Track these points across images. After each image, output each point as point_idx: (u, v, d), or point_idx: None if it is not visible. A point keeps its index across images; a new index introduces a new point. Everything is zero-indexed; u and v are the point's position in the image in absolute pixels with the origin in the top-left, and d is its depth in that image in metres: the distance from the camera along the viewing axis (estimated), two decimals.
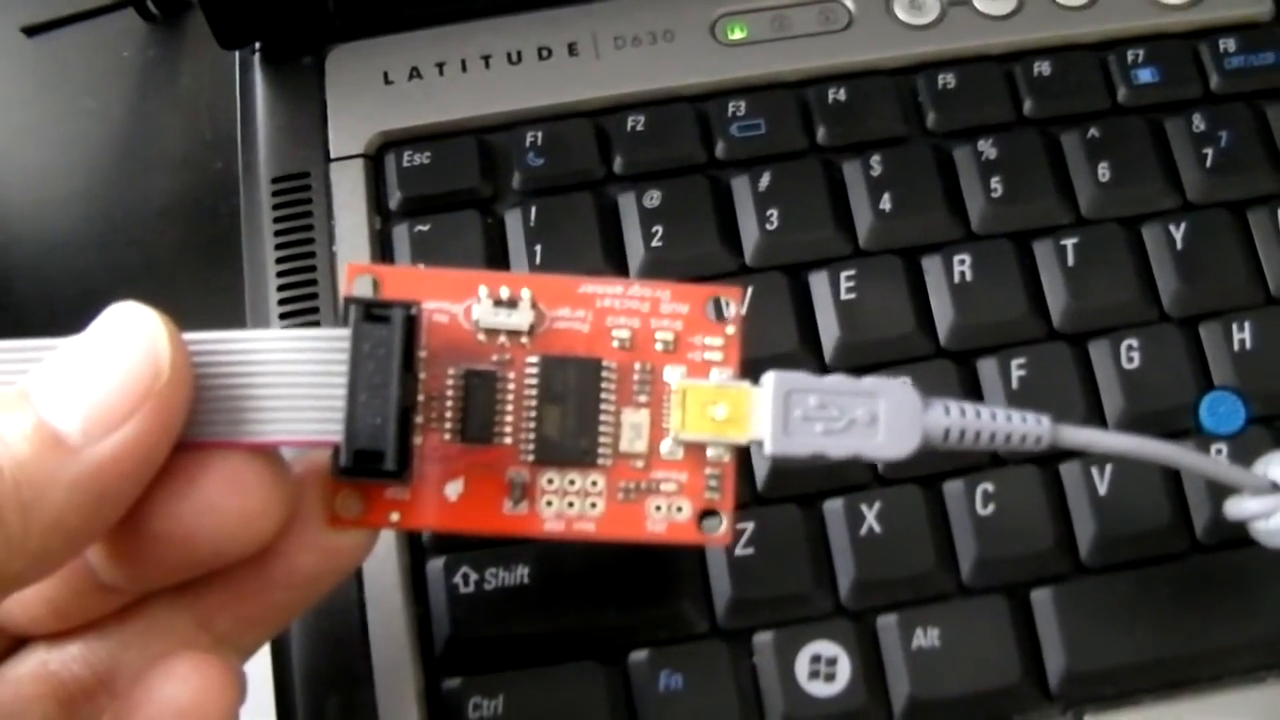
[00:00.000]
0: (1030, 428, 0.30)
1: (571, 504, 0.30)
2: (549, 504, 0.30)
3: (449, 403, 0.29)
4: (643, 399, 0.30)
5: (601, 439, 0.29)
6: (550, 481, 0.30)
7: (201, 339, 0.27)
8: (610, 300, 0.30)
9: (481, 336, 0.29)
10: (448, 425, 0.29)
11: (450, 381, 0.29)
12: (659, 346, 0.30)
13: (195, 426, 0.27)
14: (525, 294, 0.29)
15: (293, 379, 0.27)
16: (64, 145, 0.45)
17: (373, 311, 0.27)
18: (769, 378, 0.29)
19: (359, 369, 0.27)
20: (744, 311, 0.30)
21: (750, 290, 0.35)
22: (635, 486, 0.30)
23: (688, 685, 0.35)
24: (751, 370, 0.30)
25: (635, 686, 0.35)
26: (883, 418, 0.29)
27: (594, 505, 0.30)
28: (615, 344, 0.30)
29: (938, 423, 0.29)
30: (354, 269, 0.29)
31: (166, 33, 0.46)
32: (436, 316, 0.29)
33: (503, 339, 0.29)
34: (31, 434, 0.25)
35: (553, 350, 0.29)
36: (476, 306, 0.29)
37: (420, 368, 0.29)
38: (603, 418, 0.29)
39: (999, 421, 0.30)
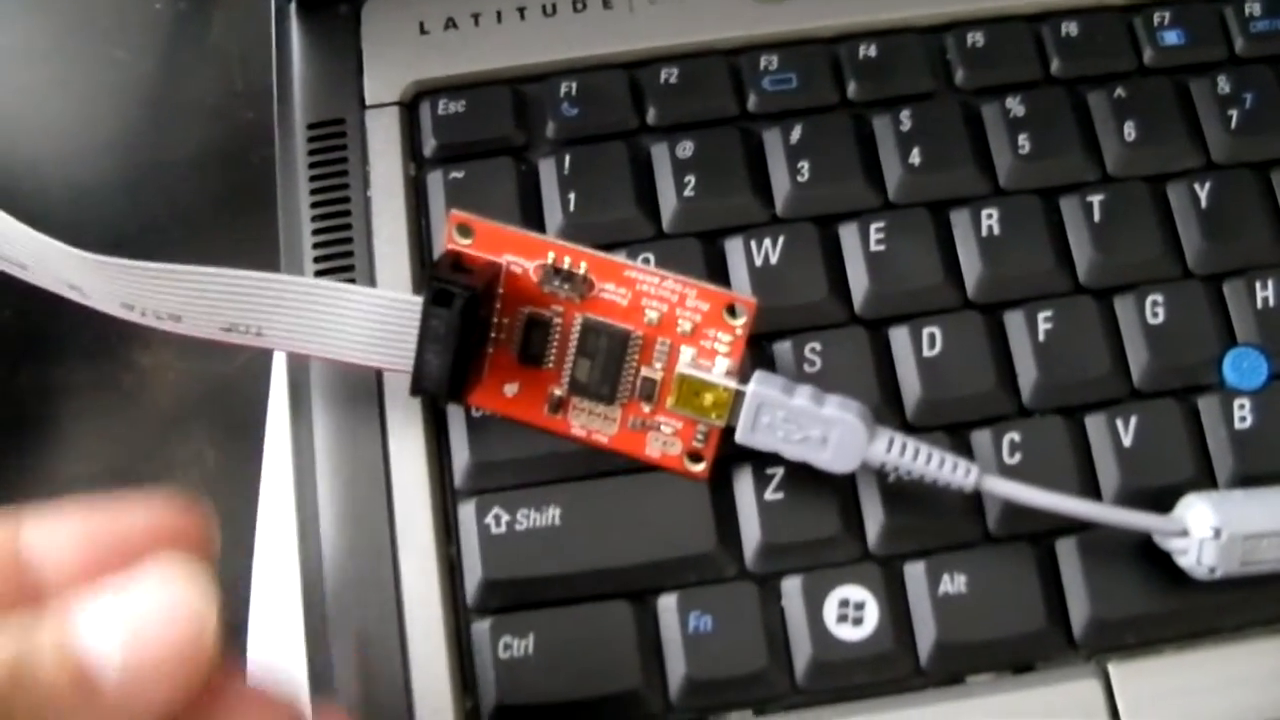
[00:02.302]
0: (958, 477, 0.34)
1: (592, 421, 0.36)
2: (576, 417, 0.36)
3: (516, 332, 0.35)
4: (659, 365, 0.35)
5: (621, 387, 0.35)
6: (579, 403, 0.36)
7: (315, 284, 0.35)
8: (647, 286, 0.35)
9: (545, 290, 0.35)
10: (514, 347, 0.35)
11: (518, 318, 0.35)
12: (680, 329, 0.35)
13: (296, 341, 0.35)
14: (582, 266, 0.35)
15: (382, 325, 0.35)
16: (95, 96, 0.45)
17: (440, 291, 0.33)
18: (751, 387, 0.34)
19: (427, 332, 0.33)
20: (753, 319, 0.34)
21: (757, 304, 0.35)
22: (641, 423, 0.36)
23: (717, 627, 0.35)
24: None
25: (664, 627, 0.35)
26: (833, 441, 0.34)
27: (610, 426, 0.36)
28: (645, 319, 0.35)
29: (877, 456, 0.34)
30: (455, 217, 0.35)
31: None
32: (513, 268, 0.35)
33: (560, 296, 0.35)
34: (67, 665, 0.25)
35: (596, 313, 0.35)
36: (542, 269, 0.35)
37: (498, 302, 0.35)
38: (625, 373, 0.35)
39: (931, 465, 0.34)
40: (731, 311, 0.34)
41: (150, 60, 0.45)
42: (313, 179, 0.39)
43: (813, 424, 0.34)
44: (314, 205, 0.38)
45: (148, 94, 0.45)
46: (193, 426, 0.41)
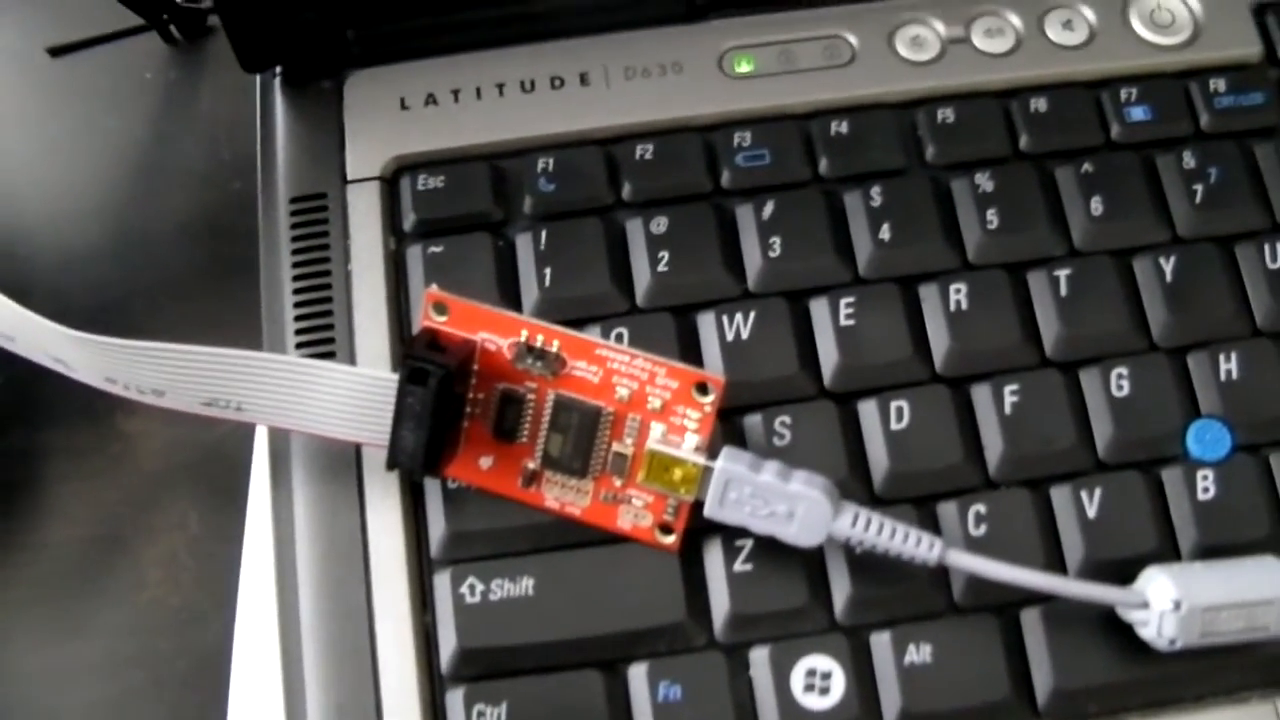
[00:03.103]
0: (922, 551, 0.35)
1: (565, 494, 0.37)
2: (550, 490, 0.37)
3: (491, 408, 0.36)
4: (629, 440, 0.36)
5: (593, 462, 0.36)
6: (552, 477, 0.37)
7: (293, 361, 0.36)
8: (618, 364, 0.36)
9: (518, 367, 0.36)
10: (488, 422, 0.36)
11: (493, 394, 0.36)
12: (650, 406, 0.36)
13: (275, 416, 0.36)
14: (554, 345, 0.36)
15: (359, 402, 0.36)
16: (85, 162, 0.46)
17: (415, 369, 0.34)
18: (719, 463, 0.35)
19: (402, 409, 0.34)
20: (721, 397, 0.35)
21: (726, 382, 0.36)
22: (613, 496, 0.37)
23: (686, 696, 0.36)
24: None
25: (634, 696, 0.36)
26: (799, 517, 0.35)
27: (582, 499, 0.37)
28: (616, 396, 0.36)
29: (842, 531, 0.35)
30: (431, 295, 0.36)
31: (188, 56, 0.47)
32: (488, 345, 0.36)
33: (534, 373, 0.36)
34: None
35: (568, 390, 0.36)
36: (515, 346, 0.36)
37: (473, 378, 0.36)
38: (596, 448, 0.36)
39: (895, 540, 0.35)
40: (701, 389, 0.35)
41: (140, 128, 0.46)
42: (295, 252, 0.39)
43: (779, 500, 0.35)
44: (295, 279, 0.39)
45: (137, 161, 0.46)
46: (178, 492, 0.42)
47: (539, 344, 0.36)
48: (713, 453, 0.35)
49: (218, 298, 0.41)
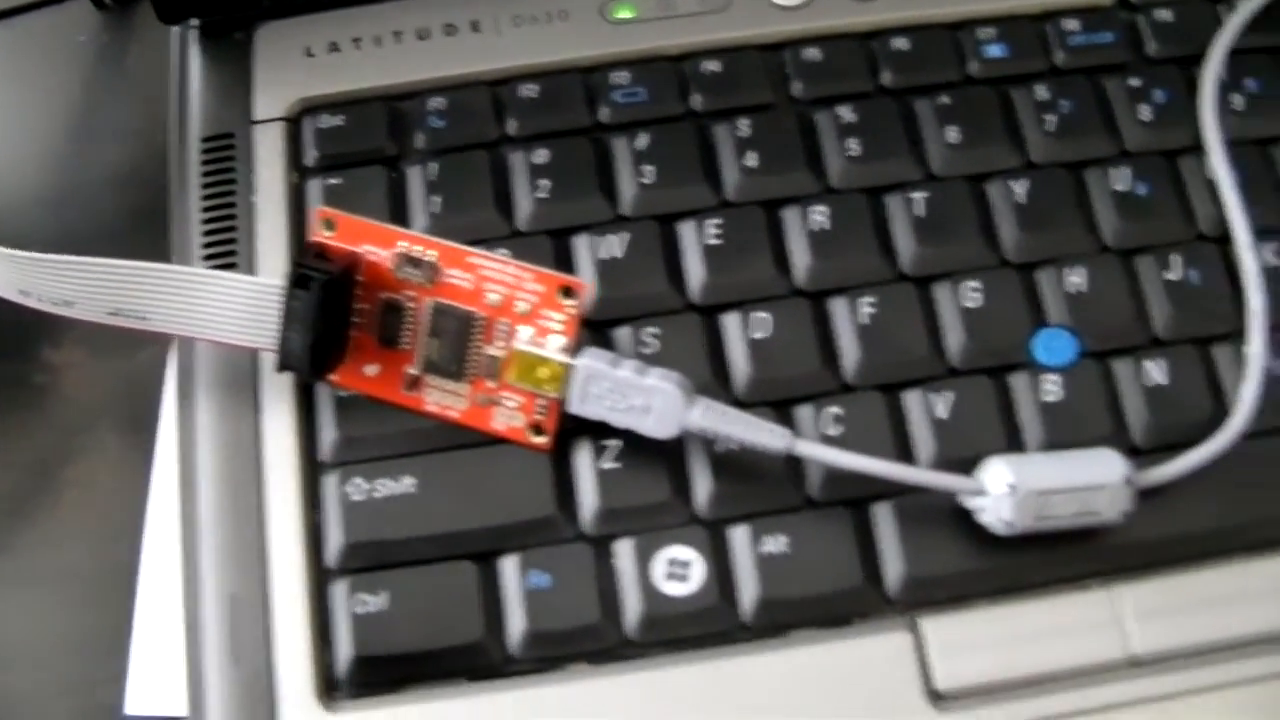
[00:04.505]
0: (772, 440, 0.37)
1: (444, 398, 0.39)
2: (430, 394, 0.39)
3: (374, 317, 0.39)
4: (500, 343, 0.38)
5: (468, 365, 0.39)
6: (432, 381, 0.39)
7: (192, 271, 0.39)
8: (489, 271, 0.38)
9: (398, 276, 0.38)
10: (373, 330, 0.39)
11: (376, 303, 0.39)
12: (518, 310, 0.38)
13: (175, 323, 0.38)
14: (430, 254, 0.38)
15: (253, 309, 0.38)
16: (21, 123, 0.49)
17: (300, 275, 0.37)
18: (580, 361, 0.37)
19: (289, 313, 0.37)
20: (584, 300, 0.38)
21: (592, 285, 0.39)
22: (488, 399, 0.39)
23: (554, 584, 0.38)
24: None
25: (505, 585, 0.38)
26: (654, 409, 0.37)
27: (460, 402, 0.39)
28: (488, 301, 0.38)
29: (694, 422, 0.37)
30: (320, 212, 0.39)
31: (119, 20, 0.50)
32: (371, 256, 0.39)
33: (413, 282, 0.38)
34: None
35: (444, 297, 0.38)
36: (395, 256, 0.38)
37: (359, 289, 0.39)
38: (471, 351, 0.39)
39: (746, 430, 0.37)
40: (566, 293, 0.38)
41: (74, 89, 0.50)
42: (204, 186, 0.43)
43: (636, 394, 0.37)
44: (204, 210, 0.42)
45: (71, 120, 0.49)
46: (99, 418, 0.45)
47: (417, 254, 0.38)
48: (578, 355, 0.38)
49: (147, 242, 0.44)
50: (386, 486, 0.39)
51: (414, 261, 0.38)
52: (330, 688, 0.38)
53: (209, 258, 0.42)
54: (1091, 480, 0.37)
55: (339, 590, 0.38)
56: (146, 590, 0.43)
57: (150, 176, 0.46)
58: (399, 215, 0.42)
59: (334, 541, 0.39)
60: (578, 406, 0.38)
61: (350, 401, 0.40)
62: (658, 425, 0.38)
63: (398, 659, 0.37)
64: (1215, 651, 0.38)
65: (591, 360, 0.37)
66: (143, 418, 0.44)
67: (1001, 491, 0.37)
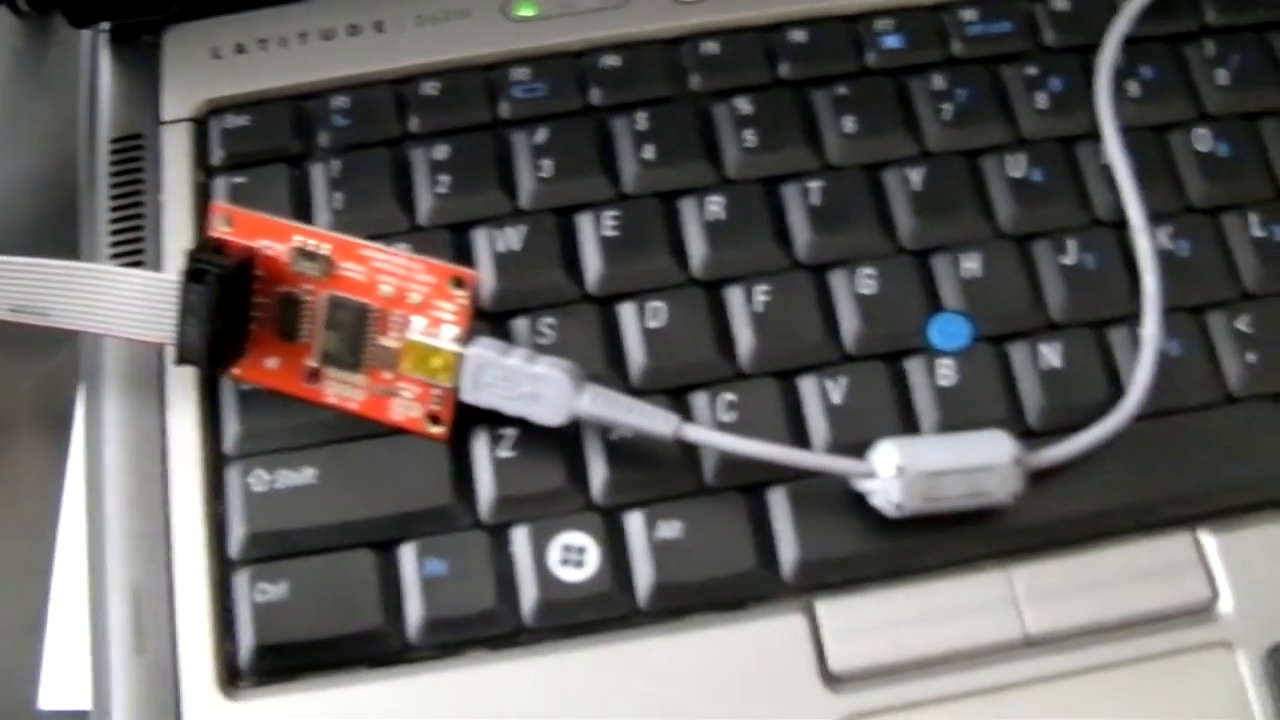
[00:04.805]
0: (660, 425, 0.38)
1: (344, 389, 0.39)
2: (329, 386, 0.40)
3: (273, 310, 0.39)
4: (395, 335, 0.39)
5: (364, 357, 0.39)
6: (330, 373, 0.40)
7: (91, 267, 0.40)
8: (382, 263, 0.39)
9: (294, 270, 0.39)
10: (272, 324, 0.40)
11: (274, 297, 0.39)
12: (411, 301, 0.39)
13: (75, 319, 0.39)
14: (324, 248, 0.39)
15: (154, 304, 0.39)
16: None
17: (195, 269, 0.38)
18: (471, 350, 0.38)
19: (185, 306, 0.38)
20: (475, 290, 0.39)
21: (481, 276, 0.40)
22: (385, 390, 0.40)
23: (451, 571, 0.38)
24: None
25: (403, 573, 0.39)
26: (544, 397, 0.38)
27: (358, 393, 0.40)
28: (381, 293, 0.39)
29: (583, 409, 0.38)
30: (217, 208, 0.39)
31: (36, 26, 0.51)
32: (267, 251, 0.39)
33: (308, 275, 0.39)
34: None
35: (339, 290, 0.39)
36: (291, 250, 0.39)
37: (257, 283, 0.39)
38: (366, 343, 0.39)
39: (634, 416, 0.38)
40: (456, 283, 0.38)
41: None
42: (113, 186, 0.43)
43: (526, 381, 0.38)
44: (112, 209, 0.43)
45: None
46: (17, 417, 0.46)
47: (311, 247, 0.39)
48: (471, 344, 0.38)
49: (61, 243, 0.44)
50: (287, 477, 0.39)
51: (309, 255, 0.39)
52: (233, 677, 0.38)
53: (116, 256, 0.42)
54: (980, 461, 0.38)
55: (241, 580, 0.39)
56: (61, 586, 0.43)
57: (65, 179, 0.47)
58: (303, 212, 0.42)
59: (236, 532, 0.39)
60: (470, 395, 0.38)
61: (253, 395, 0.40)
62: (548, 412, 0.38)
63: (298, 647, 0.38)
64: (1107, 631, 0.38)
65: (482, 349, 0.38)
66: (61, 415, 0.45)
67: (890, 473, 0.37)
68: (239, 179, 0.43)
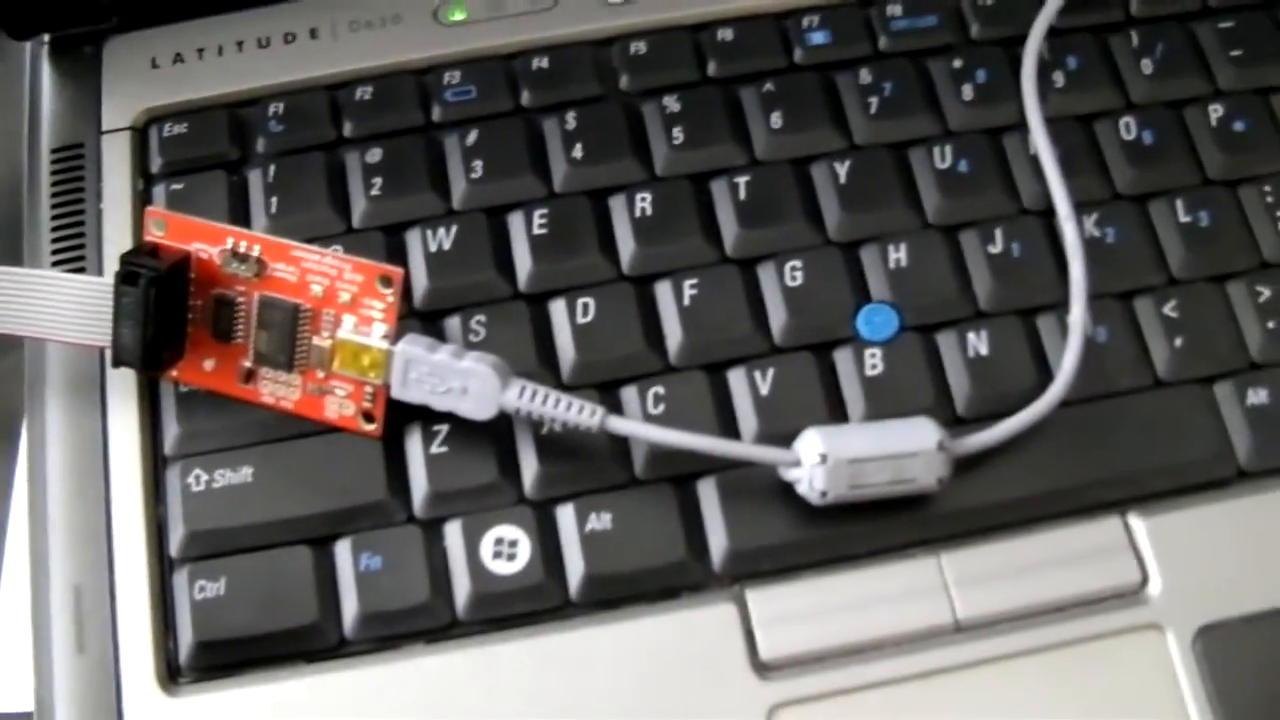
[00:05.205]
0: (585, 418, 0.38)
1: (279, 389, 0.40)
2: (265, 386, 0.40)
3: (208, 312, 0.40)
4: (326, 334, 0.40)
5: (297, 356, 0.40)
6: (266, 373, 0.40)
7: (28, 272, 0.41)
8: (311, 263, 0.39)
9: (227, 272, 0.39)
10: (208, 326, 0.40)
11: (209, 299, 0.40)
12: (341, 300, 0.39)
13: (12, 324, 0.40)
14: (255, 249, 0.39)
15: (91, 308, 0.40)
16: None
17: (128, 272, 0.38)
18: (398, 347, 0.39)
19: (119, 309, 0.39)
20: (402, 288, 0.39)
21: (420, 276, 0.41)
22: (319, 389, 0.40)
23: (385, 566, 0.39)
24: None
25: (339, 567, 0.39)
26: (471, 392, 0.38)
27: (293, 392, 0.40)
28: (312, 293, 0.39)
29: (511, 402, 0.38)
30: (150, 213, 0.40)
31: None
32: (200, 254, 0.40)
33: (240, 276, 0.40)
34: None
35: (271, 290, 0.40)
36: (223, 253, 0.39)
37: (192, 285, 0.40)
38: (299, 343, 0.40)
39: (561, 409, 0.38)
40: (384, 281, 0.39)
41: None
42: (54, 195, 0.44)
43: (453, 376, 0.39)
44: (54, 217, 0.44)
45: None
46: None
47: (242, 249, 0.39)
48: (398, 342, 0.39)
49: (5, 252, 0.45)
50: (225, 476, 0.40)
51: (240, 257, 0.39)
52: (173, 673, 0.39)
53: (59, 263, 0.43)
54: (905, 447, 0.38)
55: (180, 578, 0.39)
56: (8, 589, 0.44)
57: (9, 188, 0.47)
58: (240, 217, 0.43)
59: (176, 531, 0.40)
60: (400, 391, 0.39)
61: (191, 396, 0.41)
62: (476, 407, 0.39)
63: (236, 642, 0.39)
64: (1037, 615, 0.39)
65: (409, 345, 0.39)
66: (10, 422, 0.46)
67: (814, 461, 0.38)
68: (177, 186, 0.44)
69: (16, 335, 0.41)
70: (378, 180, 0.43)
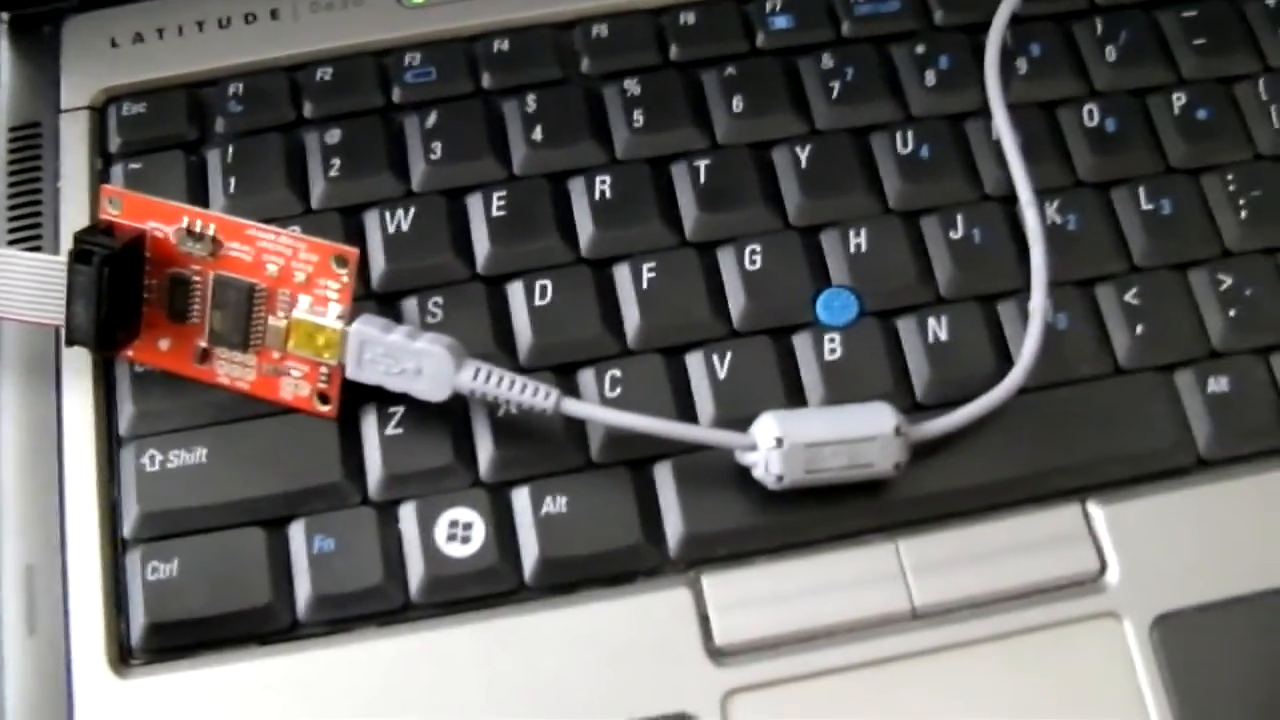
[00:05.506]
0: (539, 400, 0.38)
1: (234, 369, 0.40)
2: (220, 366, 0.40)
3: (163, 292, 0.40)
4: (282, 314, 0.39)
5: (253, 336, 0.40)
6: (221, 354, 0.40)
7: None
8: (266, 242, 0.39)
9: (182, 251, 0.39)
10: (163, 305, 0.40)
11: (164, 278, 0.40)
12: (296, 280, 0.39)
13: None
14: (210, 229, 0.39)
15: (45, 286, 0.39)
16: None
17: (82, 250, 0.38)
18: (353, 327, 0.38)
19: (73, 287, 0.38)
20: (355, 268, 0.38)
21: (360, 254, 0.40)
22: (274, 369, 0.40)
23: (339, 548, 0.39)
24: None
25: (293, 550, 0.39)
26: (426, 372, 0.38)
27: (249, 373, 0.40)
28: (267, 273, 0.39)
29: (465, 383, 0.38)
30: (106, 191, 0.40)
31: None
32: (155, 233, 0.39)
33: (195, 255, 0.39)
34: None
35: (226, 270, 0.39)
36: (178, 232, 0.39)
37: (147, 265, 0.40)
38: (254, 323, 0.39)
39: (515, 391, 0.38)
40: (339, 261, 0.39)
41: None
42: (11, 174, 0.44)
43: (408, 357, 0.38)
44: (11, 196, 0.44)
45: None
46: None
47: (197, 228, 0.39)
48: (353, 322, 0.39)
49: None
50: (180, 457, 0.40)
51: (195, 236, 0.39)
52: (124, 655, 0.39)
53: (15, 241, 0.43)
54: (861, 432, 0.38)
55: (133, 559, 0.39)
56: None
57: None
58: (199, 198, 0.43)
59: (129, 512, 0.40)
60: (354, 372, 0.39)
61: (147, 376, 0.41)
62: (430, 388, 0.38)
63: (189, 624, 0.38)
64: (995, 602, 0.38)
65: (363, 325, 0.38)
66: None
67: (770, 445, 0.38)
68: (136, 165, 0.43)
69: None
70: (336, 161, 0.43)
